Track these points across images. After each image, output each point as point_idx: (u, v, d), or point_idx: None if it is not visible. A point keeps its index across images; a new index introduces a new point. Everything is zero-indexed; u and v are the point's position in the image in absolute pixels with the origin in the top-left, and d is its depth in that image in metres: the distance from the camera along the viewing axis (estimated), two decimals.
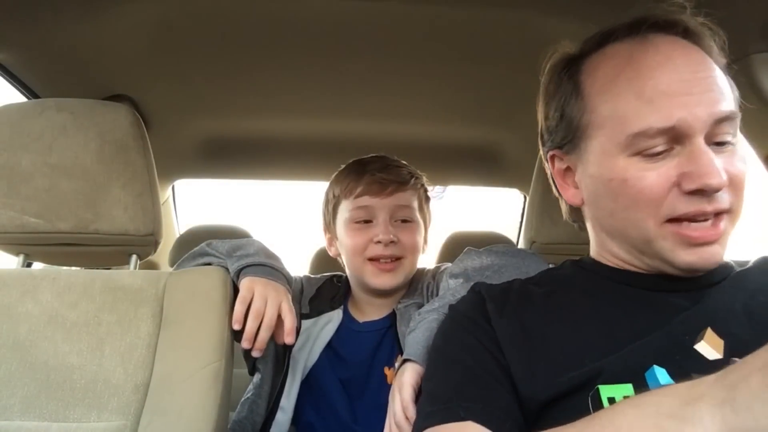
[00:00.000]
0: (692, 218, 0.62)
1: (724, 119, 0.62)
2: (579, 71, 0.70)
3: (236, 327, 0.94)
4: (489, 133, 1.77)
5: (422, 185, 1.20)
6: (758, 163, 1.15)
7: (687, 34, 0.66)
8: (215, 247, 1.09)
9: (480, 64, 1.34)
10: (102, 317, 0.93)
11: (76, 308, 0.94)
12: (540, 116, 0.77)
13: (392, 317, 1.12)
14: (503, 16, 1.17)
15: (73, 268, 1.22)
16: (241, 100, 1.55)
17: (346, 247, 1.14)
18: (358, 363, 1.10)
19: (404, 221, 1.13)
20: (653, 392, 0.47)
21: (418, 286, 1.15)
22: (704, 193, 0.60)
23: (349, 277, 1.20)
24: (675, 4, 0.67)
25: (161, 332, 0.93)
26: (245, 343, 0.95)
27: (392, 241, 1.09)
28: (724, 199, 0.62)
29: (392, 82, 1.44)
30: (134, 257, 1.07)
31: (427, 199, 1.22)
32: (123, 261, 1.09)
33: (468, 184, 2.20)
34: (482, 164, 1.91)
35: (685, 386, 0.45)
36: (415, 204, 1.16)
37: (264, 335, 0.95)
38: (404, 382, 0.83)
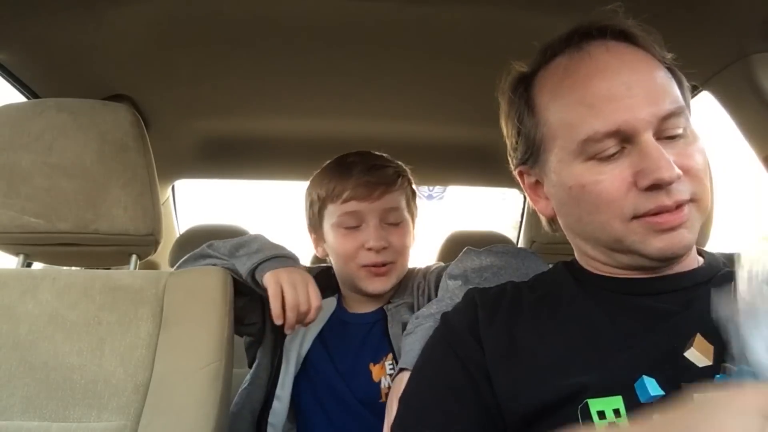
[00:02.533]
0: (655, 213, 0.63)
1: (669, 116, 0.63)
2: (530, 87, 0.72)
3: (278, 322, 0.98)
4: (489, 133, 1.75)
5: (409, 182, 1.18)
6: (758, 163, 1.15)
7: (620, 36, 0.67)
8: (216, 248, 1.08)
9: (480, 64, 1.34)
10: (102, 317, 0.93)
11: (76, 308, 0.94)
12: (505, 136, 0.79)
13: (380, 314, 1.11)
14: (503, 16, 1.17)
15: (73, 268, 1.22)
16: (241, 100, 1.54)
17: (336, 251, 1.13)
18: (345, 354, 1.10)
19: (393, 224, 1.11)
20: None
21: (408, 285, 1.14)
22: (659, 187, 0.61)
23: (338, 277, 1.19)
24: (610, 8, 0.68)
25: (161, 332, 0.93)
26: (288, 331, 1.01)
27: (384, 247, 1.08)
28: (682, 191, 0.62)
29: (392, 82, 1.44)
30: (134, 257, 1.07)
31: (414, 194, 1.20)
32: (123, 261, 1.09)
33: (468, 184, 2.20)
34: (482, 164, 1.91)
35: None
36: (404, 204, 1.14)
37: (302, 320, 1.00)
38: (397, 394, 0.83)
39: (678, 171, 0.61)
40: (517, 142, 0.74)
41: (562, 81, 0.67)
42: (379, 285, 1.09)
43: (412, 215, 1.18)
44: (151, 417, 0.87)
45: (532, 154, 0.72)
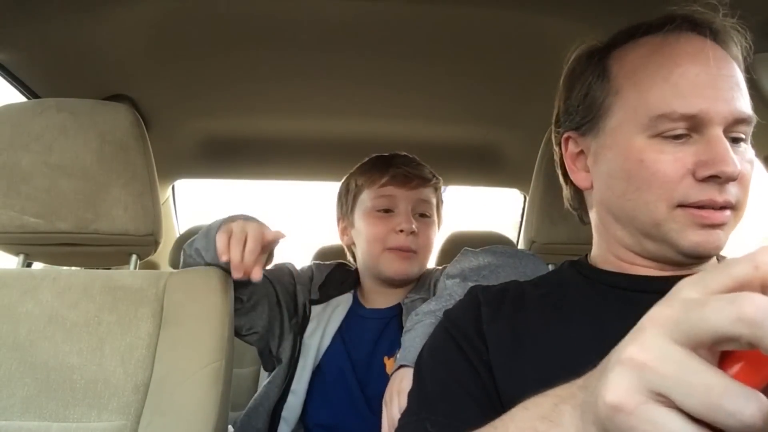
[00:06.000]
0: (701, 207, 0.63)
1: (743, 120, 0.64)
2: (608, 57, 0.71)
3: (223, 259, 0.93)
4: (489, 133, 1.77)
5: (440, 187, 1.24)
6: (758, 163, 1.15)
7: (716, 35, 0.68)
8: (192, 252, 1.07)
9: (480, 64, 1.34)
10: (102, 317, 0.93)
11: (76, 308, 0.94)
12: (558, 101, 0.78)
13: (397, 309, 1.13)
14: (503, 16, 1.17)
15: (73, 268, 1.22)
16: (241, 100, 1.55)
17: (365, 235, 1.15)
18: (361, 349, 1.11)
19: (423, 216, 1.16)
20: (544, 393, 0.45)
21: (426, 282, 1.17)
22: (717, 180, 0.61)
23: (360, 265, 1.21)
24: (706, 4, 0.68)
25: (161, 332, 0.93)
26: (235, 273, 0.94)
27: (413, 232, 1.11)
28: (732, 193, 0.63)
29: (392, 83, 1.44)
30: (134, 257, 1.07)
31: (442, 201, 1.25)
32: (123, 261, 1.09)
33: (468, 184, 2.20)
34: (482, 164, 1.91)
35: (562, 387, 0.44)
36: (434, 202, 1.20)
37: (248, 257, 0.93)
38: (398, 390, 0.83)
39: (740, 170, 0.61)
40: (578, 106, 0.72)
41: (650, 57, 0.67)
42: (401, 269, 1.12)
43: (439, 219, 1.23)
44: (151, 417, 0.87)
45: (593, 119, 0.71)
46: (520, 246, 1.98)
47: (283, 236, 0.97)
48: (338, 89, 1.47)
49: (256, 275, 0.94)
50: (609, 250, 0.73)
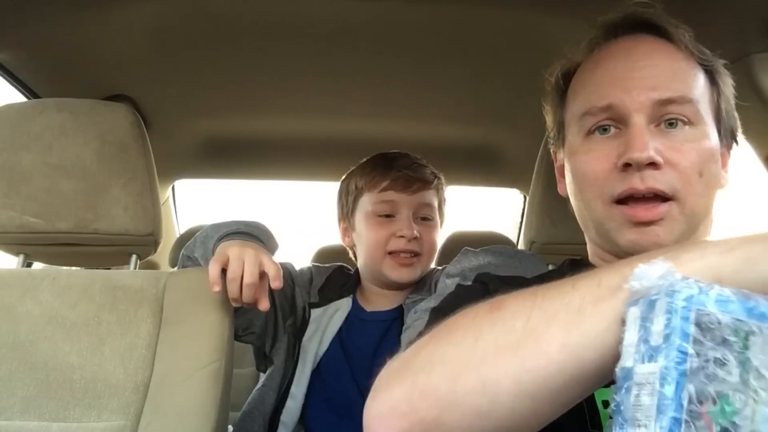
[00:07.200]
0: (630, 197, 0.62)
1: (668, 102, 0.62)
2: (570, 75, 0.74)
3: (215, 289, 0.91)
4: (489, 133, 1.77)
5: (442, 186, 1.22)
6: (759, 163, 1.15)
7: (648, 29, 0.68)
8: (192, 256, 1.07)
9: (480, 64, 1.34)
10: (102, 317, 0.93)
11: (76, 308, 0.94)
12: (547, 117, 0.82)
13: (399, 310, 1.13)
14: (503, 16, 1.17)
15: (73, 268, 1.22)
16: (242, 100, 1.55)
17: (366, 239, 1.15)
18: (363, 353, 1.11)
19: (425, 219, 1.16)
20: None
21: (427, 282, 1.17)
22: (632, 167, 0.61)
23: (361, 267, 1.21)
24: (653, 3, 0.68)
25: (161, 332, 0.93)
26: (234, 304, 0.94)
27: (415, 237, 1.11)
28: (658, 180, 0.61)
29: (392, 82, 1.44)
30: (134, 257, 1.07)
31: (444, 200, 1.24)
32: (123, 261, 1.09)
33: (468, 184, 2.20)
34: (482, 164, 1.91)
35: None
36: (435, 204, 1.19)
37: (246, 292, 0.92)
38: None
39: (651, 154, 0.60)
40: (552, 124, 0.76)
41: (583, 69, 0.70)
42: (404, 274, 1.12)
43: (441, 218, 1.22)
44: (151, 417, 0.87)
45: (559, 133, 0.74)
46: (520, 246, 1.98)
47: (280, 286, 0.94)
48: (338, 89, 1.47)
49: (263, 306, 0.94)
50: (592, 251, 0.74)
